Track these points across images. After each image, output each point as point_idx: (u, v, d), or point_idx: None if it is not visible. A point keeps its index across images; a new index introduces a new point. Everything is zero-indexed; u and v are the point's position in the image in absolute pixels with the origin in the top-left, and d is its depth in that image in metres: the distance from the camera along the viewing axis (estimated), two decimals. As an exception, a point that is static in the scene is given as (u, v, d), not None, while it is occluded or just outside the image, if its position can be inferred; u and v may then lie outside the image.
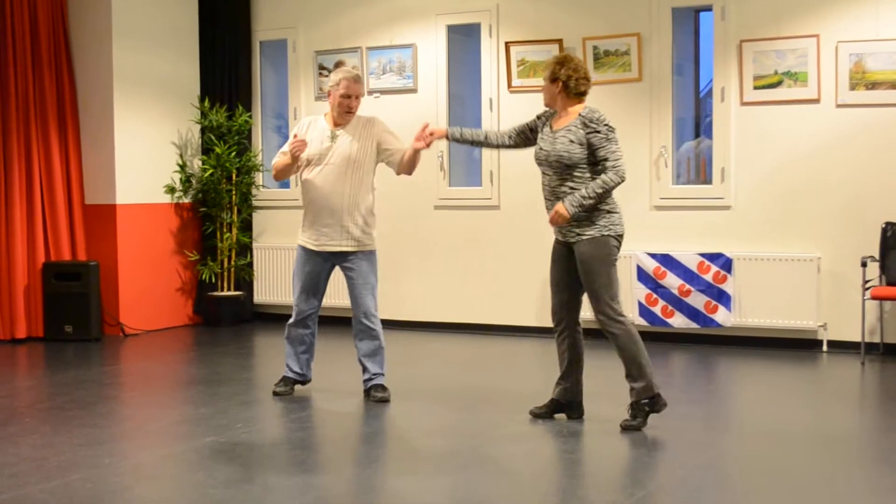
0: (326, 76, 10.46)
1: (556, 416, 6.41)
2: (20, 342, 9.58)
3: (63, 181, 9.86)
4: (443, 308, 9.97)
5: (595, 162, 6.04)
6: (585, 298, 6.29)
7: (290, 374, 7.24)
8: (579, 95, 6.19)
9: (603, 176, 5.98)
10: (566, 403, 6.42)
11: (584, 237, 6.06)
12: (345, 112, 6.92)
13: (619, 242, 6.16)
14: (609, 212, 6.08)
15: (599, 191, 5.95)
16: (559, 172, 6.10)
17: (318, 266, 7.04)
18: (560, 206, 6.00)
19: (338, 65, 10.19)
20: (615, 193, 6.12)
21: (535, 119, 6.45)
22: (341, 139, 6.92)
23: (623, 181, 6.02)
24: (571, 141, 6.05)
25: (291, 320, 7.17)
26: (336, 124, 6.95)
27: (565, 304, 6.31)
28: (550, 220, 6.10)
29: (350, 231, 6.96)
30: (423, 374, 8.06)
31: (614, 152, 6.01)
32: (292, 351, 7.21)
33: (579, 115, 6.12)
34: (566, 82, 6.15)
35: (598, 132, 6.02)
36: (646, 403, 6.15)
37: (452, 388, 7.45)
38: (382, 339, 7.07)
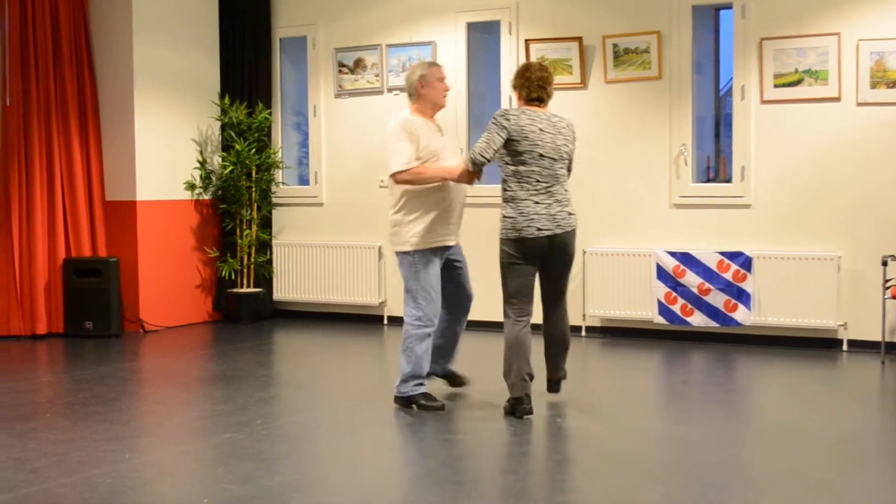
0: (346, 73, 10.48)
1: None
2: (41, 338, 9.63)
3: (84, 177, 9.91)
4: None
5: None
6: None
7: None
8: (532, 101, 6.47)
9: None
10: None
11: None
12: (443, 97, 6.82)
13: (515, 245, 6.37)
14: (506, 216, 6.35)
15: (470, 156, 6.35)
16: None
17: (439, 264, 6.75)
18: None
19: (355, 65, 10.22)
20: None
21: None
22: (446, 133, 6.92)
23: (472, 160, 6.33)
24: None
25: (430, 329, 6.65)
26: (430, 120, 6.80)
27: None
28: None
29: (460, 224, 6.83)
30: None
31: (482, 138, 6.33)
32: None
33: None
34: (520, 91, 6.51)
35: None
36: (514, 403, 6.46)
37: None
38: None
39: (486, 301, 7.81)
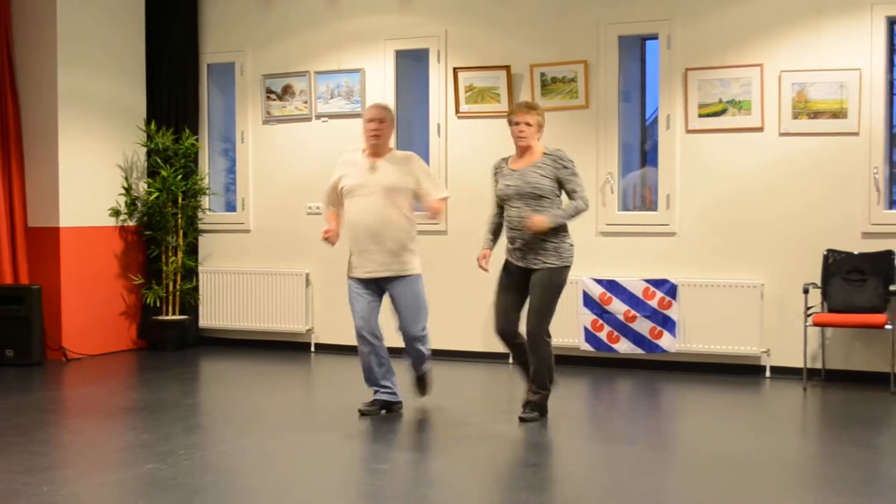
0: (274, 99, 10.45)
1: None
2: (-40, 366, 9.45)
3: (6, 203, 9.74)
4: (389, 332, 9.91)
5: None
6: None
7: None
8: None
9: (576, 202, 6.81)
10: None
11: (548, 265, 6.84)
12: (370, 137, 7.18)
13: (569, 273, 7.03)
14: (571, 245, 6.93)
15: (573, 213, 6.81)
16: (530, 203, 6.81)
17: None
18: (540, 217, 6.72)
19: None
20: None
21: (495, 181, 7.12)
22: (386, 169, 7.21)
23: (586, 209, 6.88)
24: (543, 175, 6.84)
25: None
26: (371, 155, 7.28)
27: (515, 321, 7.04)
28: (528, 226, 6.74)
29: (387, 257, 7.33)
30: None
31: (581, 184, 6.89)
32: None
33: (544, 153, 6.89)
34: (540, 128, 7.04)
35: (565, 167, 6.86)
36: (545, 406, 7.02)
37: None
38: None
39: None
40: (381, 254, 7.04)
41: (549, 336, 6.92)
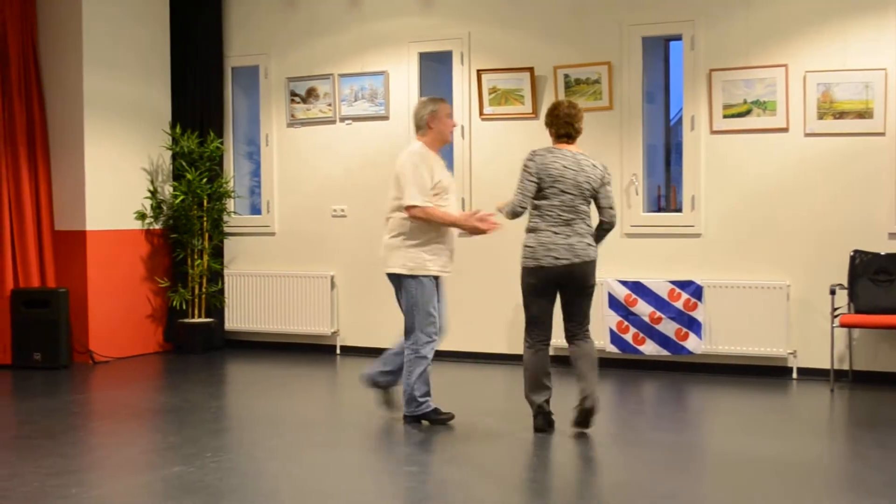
0: (298, 102, 10.48)
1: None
2: (-12, 369, 9.52)
3: (32, 207, 9.81)
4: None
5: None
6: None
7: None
8: (561, 138, 6.83)
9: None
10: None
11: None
12: (450, 135, 7.17)
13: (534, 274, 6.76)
14: (525, 246, 6.76)
15: (508, 208, 6.74)
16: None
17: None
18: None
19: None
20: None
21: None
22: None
23: (511, 212, 6.74)
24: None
25: (431, 348, 7.04)
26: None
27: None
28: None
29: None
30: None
31: (516, 188, 6.72)
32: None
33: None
34: (550, 128, 6.87)
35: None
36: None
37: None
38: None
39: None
40: (452, 252, 7.12)
41: (526, 340, 6.85)
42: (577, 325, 6.85)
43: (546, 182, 6.64)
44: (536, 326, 6.78)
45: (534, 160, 6.69)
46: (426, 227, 6.92)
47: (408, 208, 6.88)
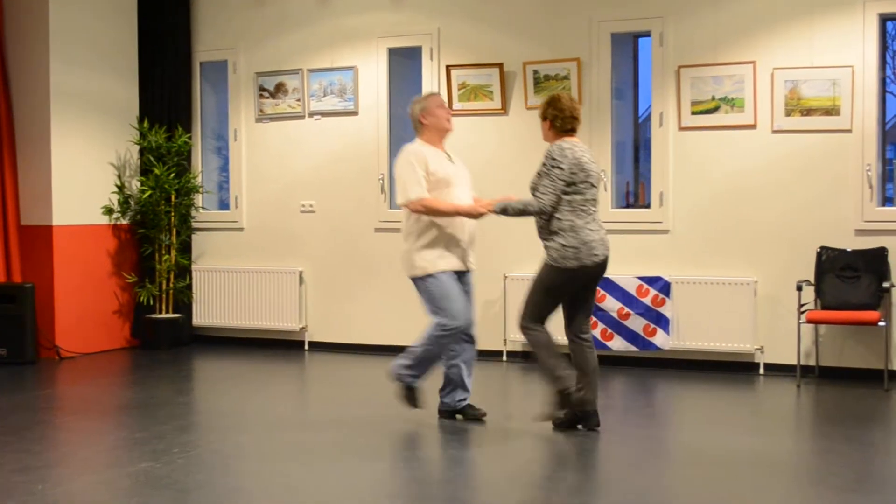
0: (267, 97, 10.44)
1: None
2: (-47, 365, 9.43)
3: (-2, 202, 9.75)
4: (385, 331, 9.93)
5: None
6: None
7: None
8: (567, 132, 6.65)
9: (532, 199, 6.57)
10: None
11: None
12: (447, 121, 7.04)
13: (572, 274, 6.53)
14: (564, 245, 6.48)
15: (519, 206, 6.60)
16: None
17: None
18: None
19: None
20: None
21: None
22: (456, 160, 7.07)
23: (539, 212, 6.49)
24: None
25: (446, 339, 6.78)
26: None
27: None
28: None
29: (471, 251, 6.99)
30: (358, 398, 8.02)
31: (544, 186, 6.47)
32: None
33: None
34: (552, 122, 6.65)
35: (544, 164, 6.52)
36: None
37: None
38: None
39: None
40: (466, 246, 6.89)
41: (534, 328, 6.66)
42: (586, 319, 6.74)
43: (579, 176, 6.46)
44: (544, 320, 6.63)
45: (565, 155, 6.47)
46: (430, 226, 6.78)
47: (408, 204, 6.79)
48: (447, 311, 6.71)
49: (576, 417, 6.68)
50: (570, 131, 6.65)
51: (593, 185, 6.55)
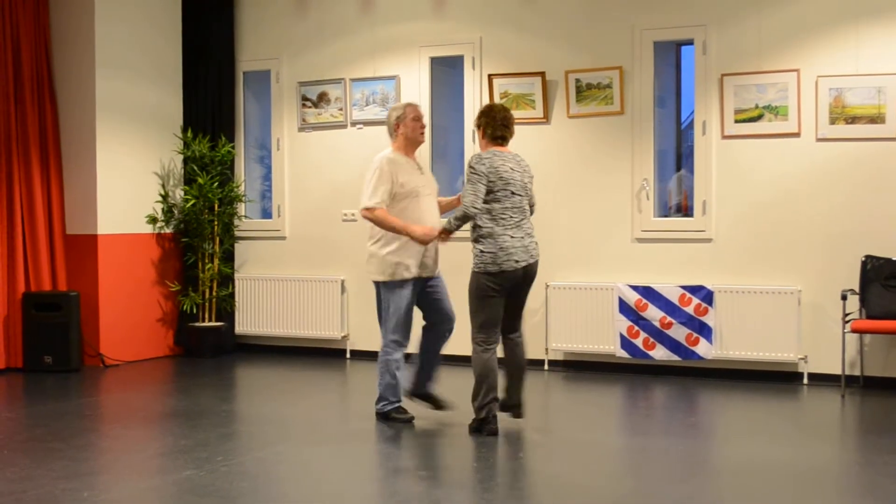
0: (310, 107, 10.49)
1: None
2: (-1, 373, 9.54)
3: (44, 211, 9.83)
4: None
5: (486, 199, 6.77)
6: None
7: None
8: (496, 140, 6.90)
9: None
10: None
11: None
12: (420, 134, 7.22)
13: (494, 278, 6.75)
14: (483, 251, 6.73)
15: (457, 216, 6.77)
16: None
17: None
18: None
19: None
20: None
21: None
22: (425, 170, 7.34)
23: (464, 216, 6.71)
24: None
25: (400, 350, 7.17)
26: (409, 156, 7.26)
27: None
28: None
29: (437, 257, 7.27)
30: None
31: (467, 192, 6.70)
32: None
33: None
34: (484, 130, 6.91)
35: (468, 172, 6.79)
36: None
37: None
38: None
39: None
40: (433, 252, 7.16)
41: (479, 343, 6.82)
42: (517, 318, 6.98)
43: (497, 185, 6.69)
44: (492, 328, 6.81)
45: (483, 163, 6.70)
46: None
47: (362, 210, 7.07)
48: (400, 329, 7.09)
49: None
50: (500, 139, 6.89)
51: (514, 194, 6.75)
